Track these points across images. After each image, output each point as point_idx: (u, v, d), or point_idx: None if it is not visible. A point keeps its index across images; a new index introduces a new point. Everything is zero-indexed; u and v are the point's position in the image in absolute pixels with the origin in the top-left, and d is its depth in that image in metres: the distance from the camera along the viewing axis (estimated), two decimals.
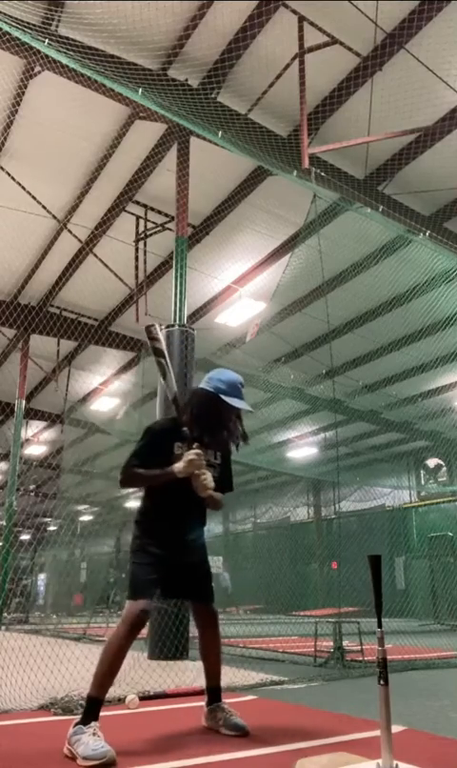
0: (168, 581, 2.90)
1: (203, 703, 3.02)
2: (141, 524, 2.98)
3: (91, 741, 2.38)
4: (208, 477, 2.80)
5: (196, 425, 2.91)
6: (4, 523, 12.85)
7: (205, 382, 3.03)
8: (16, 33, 5.71)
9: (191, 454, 2.78)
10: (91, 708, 2.58)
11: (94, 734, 2.43)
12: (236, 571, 23.20)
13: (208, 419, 2.94)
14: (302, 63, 6.86)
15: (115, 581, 12.59)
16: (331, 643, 5.94)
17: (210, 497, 2.88)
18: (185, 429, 2.90)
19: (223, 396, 2.93)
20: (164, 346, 3.07)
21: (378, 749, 2.05)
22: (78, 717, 2.58)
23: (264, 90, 7.38)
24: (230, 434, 3.08)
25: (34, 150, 8.17)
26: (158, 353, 3.02)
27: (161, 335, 3.06)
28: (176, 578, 2.91)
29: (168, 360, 3.05)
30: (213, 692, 2.99)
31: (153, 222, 9.57)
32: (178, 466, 2.77)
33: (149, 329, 3.05)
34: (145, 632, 5.89)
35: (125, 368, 14.00)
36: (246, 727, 2.81)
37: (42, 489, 19.93)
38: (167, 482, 2.84)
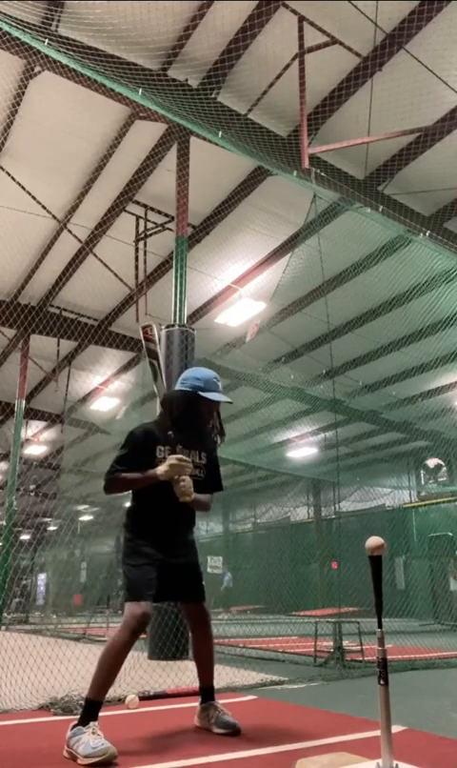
0: (162, 583, 2.87)
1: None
2: (131, 526, 2.95)
3: (91, 740, 2.39)
4: (188, 483, 2.75)
5: (178, 427, 2.88)
6: (4, 523, 12.85)
7: (180, 383, 3.03)
8: (16, 33, 5.71)
9: (173, 458, 2.75)
10: (90, 710, 2.56)
11: (94, 732, 2.44)
12: (236, 571, 23.21)
13: (189, 419, 2.94)
14: (302, 63, 6.86)
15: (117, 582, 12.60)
16: (331, 643, 5.94)
17: (194, 501, 2.84)
18: (170, 432, 2.86)
19: (202, 393, 2.93)
20: (158, 348, 3.06)
21: (378, 749, 2.05)
22: (76, 719, 2.57)
23: (264, 91, 7.38)
24: (212, 431, 3.08)
25: (34, 150, 8.17)
26: (152, 354, 2.99)
27: (157, 337, 3.05)
28: (169, 580, 2.88)
29: (161, 362, 3.03)
30: (206, 692, 2.99)
31: (153, 222, 9.57)
32: (160, 469, 2.75)
33: (145, 329, 3.03)
34: (145, 632, 5.91)
35: (125, 368, 14.00)
36: (237, 725, 2.80)
37: (42, 489, 19.94)
38: (151, 485, 2.82)
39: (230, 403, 3.13)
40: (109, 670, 2.61)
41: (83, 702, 2.65)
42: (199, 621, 3.00)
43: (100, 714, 2.58)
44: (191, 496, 2.77)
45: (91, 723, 2.49)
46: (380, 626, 2.14)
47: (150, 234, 9.68)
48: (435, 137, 7.85)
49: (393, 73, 7.08)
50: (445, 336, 10.02)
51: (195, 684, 3.08)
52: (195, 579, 3.03)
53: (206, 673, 3.00)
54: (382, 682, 2.07)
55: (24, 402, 13.53)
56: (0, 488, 18.56)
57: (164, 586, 2.89)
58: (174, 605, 5.77)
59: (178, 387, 3.02)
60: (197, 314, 11.42)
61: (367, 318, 10.99)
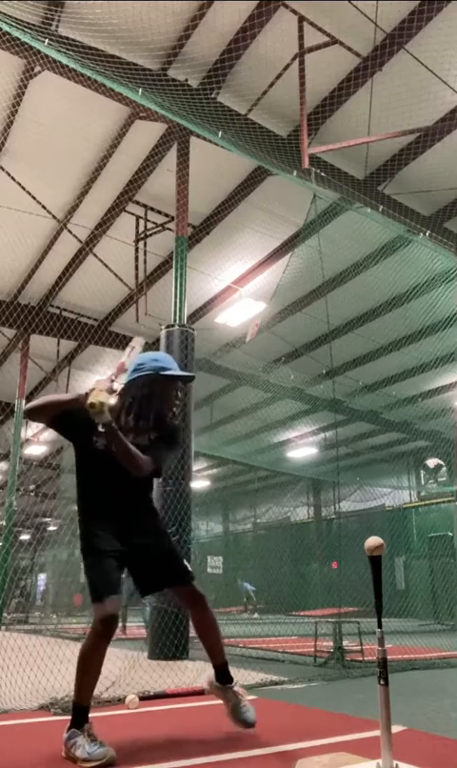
0: (138, 574, 2.79)
1: (201, 703, 3.01)
2: (82, 522, 2.78)
3: (88, 744, 2.38)
4: (97, 390, 2.54)
5: (127, 410, 2.74)
6: (4, 523, 12.85)
7: (134, 371, 2.81)
8: (16, 33, 5.71)
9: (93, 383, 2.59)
10: (79, 714, 2.53)
11: (89, 735, 2.42)
12: (236, 571, 23.20)
13: (143, 403, 2.77)
14: (302, 63, 6.86)
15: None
16: (331, 643, 5.94)
17: (114, 433, 2.58)
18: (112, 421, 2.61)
19: (163, 372, 2.78)
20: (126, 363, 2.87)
21: (378, 749, 2.05)
22: (68, 723, 2.55)
23: (264, 91, 7.38)
24: (174, 416, 2.92)
25: (34, 150, 8.17)
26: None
27: (132, 354, 2.87)
28: (143, 568, 2.79)
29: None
30: (221, 671, 2.86)
31: (153, 222, 9.57)
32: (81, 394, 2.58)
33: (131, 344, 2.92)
34: (145, 632, 5.91)
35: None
36: (253, 723, 2.75)
37: (42, 489, 19.92)
38: (87, 474, 2.75)
39: (192, 378, 3.04)
40: (84, 673, 2.55)
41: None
42: (193, 604, 2.86)
43: (101, 714, 2.58)
44: (102, 407, 2.49)
45: (85, 726, 2.47)
46: (380, 626, 2.14)
47: (150, 234, 9.67)
48: (435, 137, 7.85)
49: (393, 73, 7.07)
50: (444, 336, 10.03)
51: (195, 684, 3.07)
52: (172, 562, 2.86)
53: (215, 651, 2.87)
54: (382, 682, 2.07)
55: (24, 402, 13.52)
56: (0, 488, 18.56)
57: (142, 576, 2.81)
58: (174, 605, 5.80)
59: (133, 375, 2.81)
60: (197, 314, 11.42)
61: (366, 318, 10.99)
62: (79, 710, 2.53)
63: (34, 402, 2.74)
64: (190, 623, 5.98)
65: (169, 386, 2.85)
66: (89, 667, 2.55)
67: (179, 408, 3.00)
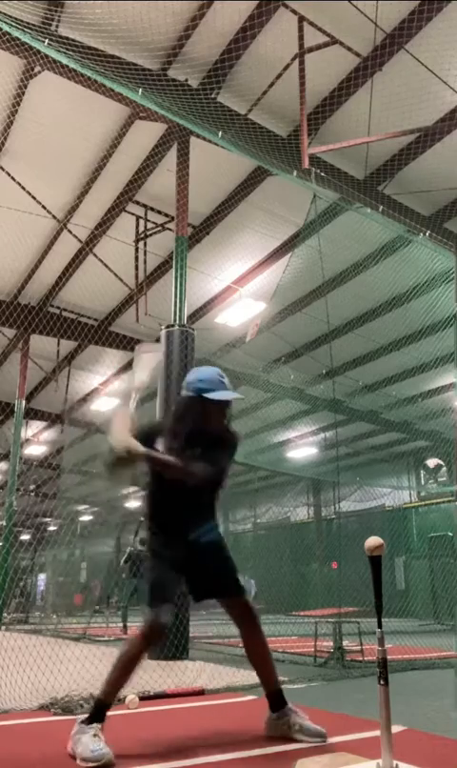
0: (192, 583, 2.84)
1: (201, 703, 3.00)
2: (150, 528, 2.89)
3: (91, 743, 2.37)
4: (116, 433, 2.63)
5: (184, 435, 2.79)
6: (4, 523, 12.85)
7: (184, 389, 2.89)
8: (16, 33, 5.71)
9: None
10: (98, 710, 2.55)
11: (95, 735, 2.42)
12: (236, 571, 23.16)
13: (197, 426, 2.81)
14: (302, 63, 6.86)
15: (116, 583, 12.61)
16: (331, 643, 5.94)
17: (147, 457, 2.67)
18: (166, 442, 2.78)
19: (206, 395, 2.78)
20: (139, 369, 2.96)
21: (378, 749, 2.05)
22: (84, 716, 2.57)
23: (264, 91, 7.38)
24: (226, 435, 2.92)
25: (34, 150, 8.17)
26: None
27: (143, 365, 2.97)
28: (197, 578, 2.83)
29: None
30: (275, 697, 2.77)
31: (153, 222, 9.57)
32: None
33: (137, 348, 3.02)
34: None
35: (125, 368, 13.99)
36: (325, 733, 2.65)
37: (42, 489, 19.92)
38: (158, 490, 2.79)
39: (242, 399, 3.04)
40: (122, 672, 2.60)
41: (83, 703, 2.64)
42: (245, 619, 2.83)
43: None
44: (124, 445, 2.58)
45: (95, 725, 2.47)
46: (380, 626, 2.14)
47: (150, 234, 9.68)
48: (435, 137, 7.85)
49: (393, 73, 7.07)
50: (444, 336, 10.01)
51: (195, 684, 3.06)
52: (225, 573, 2.88)
53: (265, 674, 2.80)
54: (382, 682, 2.07)
55: (24, 402, 13.52)
56: (0, 488, 18.56)
57: (196, 583, 2.85)
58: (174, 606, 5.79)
59: (184, 393, 2.89)
60: (197, 314, 11.42)
61: (366, 318, 10.98)
62: (99, 705, 2.56)
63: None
64: (191, 624, 6.00)
65: (214, 408, 2.82)
66: (134, 662, 2.61)
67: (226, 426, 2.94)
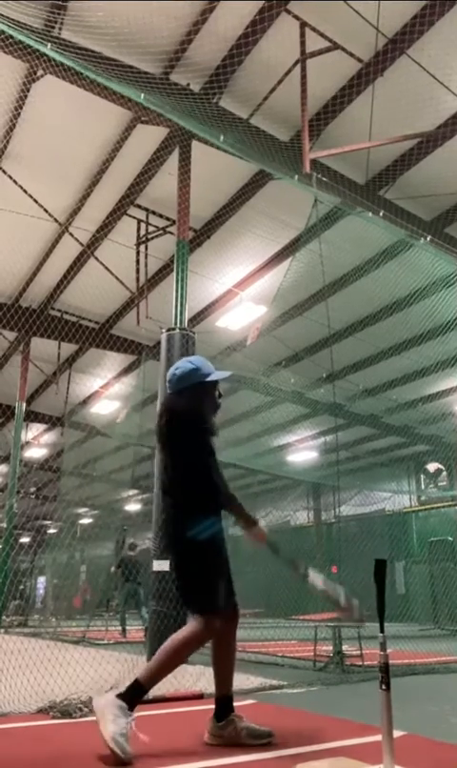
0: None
1: (200, 707, 2.99)
2: (206, 540, 2.79)
3: (126, 732, 2.43)
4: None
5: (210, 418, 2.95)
6: (4, 526, 12.84)
7: (178, 381, 2.95)
8: (19, 37, 5.73)
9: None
10: (136, 693, 2.60)
11: (130, 727, 2.47)
12: (236, 575, 23.12)
13: (214, 406, 2.99)
14: (303, 68, 6.88)
15: (116, 587, 12.59)
16: (331, 648, 5.93)
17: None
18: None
19: (211, 377, 2.93)
20: None
21: (377, 754, 2.04)
22: (122, 690, 2.61)
23: (265, 95, 7.39)
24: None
25: (36, 153, 8.19)
26: None
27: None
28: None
29: None
30: (226, 702, 2.79)
31: (155, 226, 9.59)
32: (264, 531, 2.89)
33: None
34: (141, 635, 5.90)
35: (126, 371, 14.01)
36: (272, 731, 2.71)
37: (42, 492, 19.92)
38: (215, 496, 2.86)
39: (231, 374, 3.16)
40: (170, 665, 2.68)
41: (82, 706, 2.64)
42: (229, 620, 2.87)
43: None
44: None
45: (132, 714, 2.51)
46: (382, 630, 2.14)
47: (152, 238, 9.69)
48: (437, 142, 7.87)
49: (395, 78, 7.09)
50: (445, 341, 10.03)
51: (194, 688, 3.06)
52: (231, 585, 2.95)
53: (225, 677, 2.85)
54: (384, 687, 2.07)
55: (24, 405, 13.53)
56: (0, 490, 18.55)
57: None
58: (174, 607, 5.78)
59: (179, 387, 2.94)
60: (198, 318, 11.43)
61: (367, 322, 10.99)
62: (140, 691, 2.63)
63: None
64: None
65: (212, 389, 3.00)
66: (182, 658, 2.70)
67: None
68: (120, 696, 2.55)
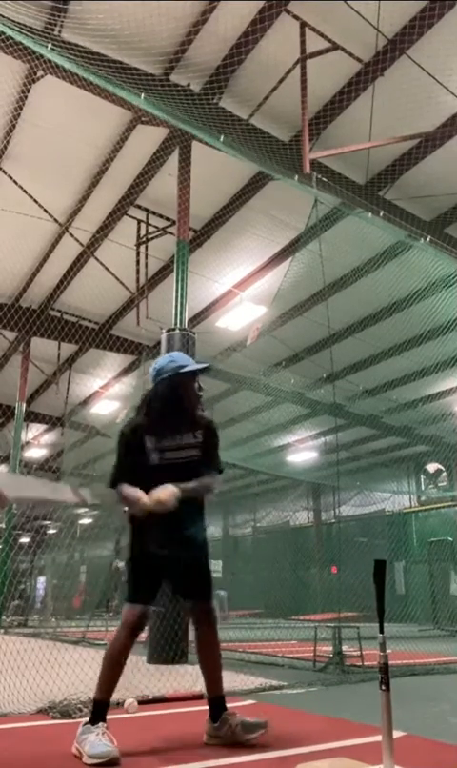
0: (171, 580, 2.89)
1: (201, 708, 2.99)
2: (133, 524, 2.91)
3: (97, 741, 2.42)
4: (165, 498, 2.69)
5: (164, 414, 2.89)
6: (3, 526, 12.84)
7: (156, 376, 2.95)
8: (19, 38, 5.73)
9: (156, 496, 2.69)
10: (97, 710, 2.63)
11: (102, 733, 2.48)
12: (236, 575, 23.15)
13: (175, 403, 2.91)
14: (303, 68, 6.88)
15: (116, 586, 12.60)
16: (331, 648, 5.93)
17: (190, 490, 2.77)
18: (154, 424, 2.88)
19: (184, 370, 2.89)
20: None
21: (377, 754, 2.05)
22: (86, 718, 2.63)
23: (266, 96, 7.40)
24: (201, 408, 3.06)
25: (37, 153, 8.19)
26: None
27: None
28: (174, 575, 2.87)
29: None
30: (218, 703, 2.80)
31: (155, 226, 9.59)
32: (145, 501, 2.70)
33: None
34: (144, 635, 5.90)
35: (125, 371, 14.01)
36: (265, 722, 2.71)
37: None
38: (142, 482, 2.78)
39: (209, 368, 3.11)
40: (111, 669, 2.68)
41: (81, 706, 2.66)
42: (204, 622, 2.88)
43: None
44: (167, 506, 2.68)
45: (100, 724, 2.54)
46: (381, 631, 2.14)
47: (152, 238, 9.69)
48: (436, 143, 7.87)
49: (395, 79, 7.09)
50: (445, 341, 10.03)
51: (194, 688, 3.06)
52: (197, 576, 2.92)
53: (214, 679, 2.84)
54: (383, 687, 2.07)
55: (24, 405, 13.53)
56: None
57: (172, 581, 2.90)
58: (173, 609, 5.79)
59: (155, 380, 2.95)
60: (198, 318, 11.43)
61: (367, 323, 11.00)
62: (99, 706, 2.64)
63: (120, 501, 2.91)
64: (190, 628, 5.98)
65: (191, 381, 2.97)
66: (120, 659, 2.71)
67: (202, 398, 3.10)
68: (85, 723, 2.60)
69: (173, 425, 2.92)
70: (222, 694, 2.84)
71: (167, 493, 2.69)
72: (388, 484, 19.25)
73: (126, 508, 2.88)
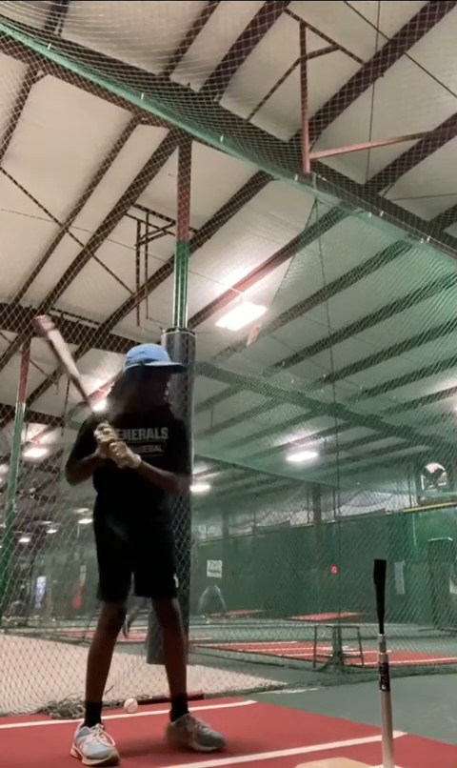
0: (136, 576, 2.83)
1: (200, 708, 2.99)
2: (95, 522, 2.87)
3: (95, 741, 2.42)
4: (118, 446, 2.60)
5: (127, 406, 2.85)
6: (4, 526, 12.84)
7: (126, 364, 2.93)
8: (19, 37, 5.73)
9: (96, 431, 2.64)
10: (91, 712, 2.62)
11: (100, 734, 2.47)
12: (236, 575, 23.16)
13: (136, 395, 2.87)
14: (303, 68, 6.88)
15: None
16: (331, 648, 5.93)
17: (150, 473, 2.72)
18: (110, 413, 2.83)
19: (149, 364, 2.85)
20: (56, 343, 3.04)
21: (377, 754, 2.05)
22: (81, 721, 2.63)
23: (265, 95, 7.40)
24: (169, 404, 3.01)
25: (36, 153, 8.19)
26: (50, 345, 3.03)
27: (53, 339, 3.05)
28: (140, 572, 2.82)
29: (62, 353, 3.02)
30: (179, 702, 2.75)
31: (155, 226, 9.59)
32: (97, 451, 2.66)
33: (37, 323, 3.07)
34: (144, 635, 5.91)
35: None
36: (222, 739, 2.59)
37: (42, 492, 19.91)
38: (103, 469, 2.72)
39: (184, 369, 3.09)
40: (96, 670, 2.66)
41: (82, 706, 2.66)
42: (166, 620, 2.82)
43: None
44: (132, 460, 2.62)
45: (97, 725, 2.54)
46: (382, 631, 2.14)
47: (152, 238, 9.69)
48: (436, 142, 7.87)
49: (395, 79, 7.09)
50: (445, 341, 10.04)
51: (194, 689, 3.05)
52: (161, 574, 2.86)
53: (176, 677, 2.78)
54: (383, 687, 2.07)
55: (24, 405, 13.53)
56: (0, 491, 18.55)
57: (137, 579, 2.83)
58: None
59: (125, 368, 2.93)
60: (198, 318, 11.43)
61: (367, 323, 11.00)
62: (90, 707, 2.63)
63: (70, 480, 2.94)
64: (190, 629, 5.99)
65: (159, 376, 2.92)
66: (104, 658, 2.68)
67: (168, 397, 3.04)
68: (82, 725, 2.60)
69: (132, 418, 2.85)
70: (184, 693, 2.78)
71: (130, 451, 2.64)
72: (388, 484, 19.25)
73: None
